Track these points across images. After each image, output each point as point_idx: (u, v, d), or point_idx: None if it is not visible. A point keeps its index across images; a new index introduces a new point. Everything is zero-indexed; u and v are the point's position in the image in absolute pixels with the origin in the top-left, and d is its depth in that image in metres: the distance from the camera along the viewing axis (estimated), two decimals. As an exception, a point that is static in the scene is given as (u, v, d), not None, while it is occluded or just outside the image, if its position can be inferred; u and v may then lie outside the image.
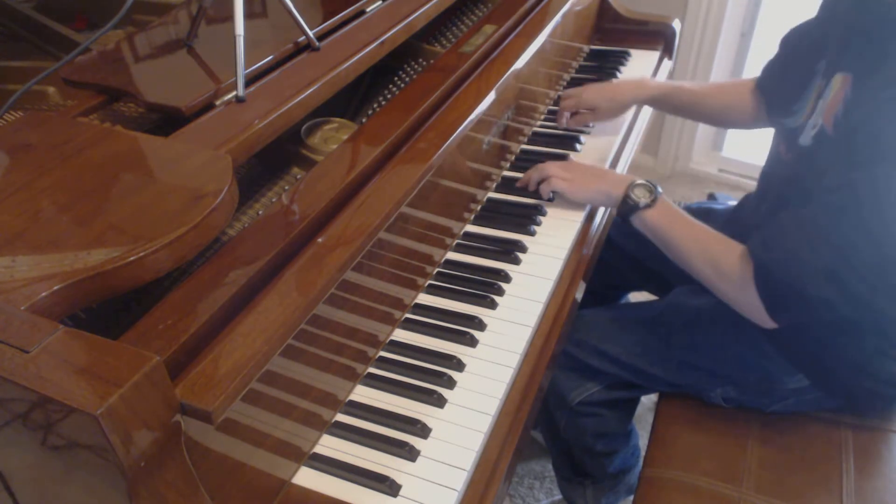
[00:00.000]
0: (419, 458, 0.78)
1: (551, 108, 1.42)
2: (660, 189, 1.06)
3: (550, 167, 1.14)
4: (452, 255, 1.06)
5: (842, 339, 1.01)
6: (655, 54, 1.62)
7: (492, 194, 1.18)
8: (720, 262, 0.97)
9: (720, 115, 1.31)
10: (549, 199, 1.16)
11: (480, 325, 0.94)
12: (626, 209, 1.06)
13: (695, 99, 1.30)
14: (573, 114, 1.34)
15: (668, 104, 1.34)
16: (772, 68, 1.19)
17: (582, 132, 1.35)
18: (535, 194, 1.17)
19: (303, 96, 0.88)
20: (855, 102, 0.86)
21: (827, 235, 0.86)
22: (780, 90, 1.10)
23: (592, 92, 1.31)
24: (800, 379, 1.06)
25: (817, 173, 0.89)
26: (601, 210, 1.20)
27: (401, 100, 1.01)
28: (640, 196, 1.05)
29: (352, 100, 1.17)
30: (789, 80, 1.05)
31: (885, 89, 0.82)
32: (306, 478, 0.77)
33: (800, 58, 1.05)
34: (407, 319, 0.95)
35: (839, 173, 0.86)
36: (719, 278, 0.97)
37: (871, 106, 0.84)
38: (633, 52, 1.62)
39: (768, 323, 0.94)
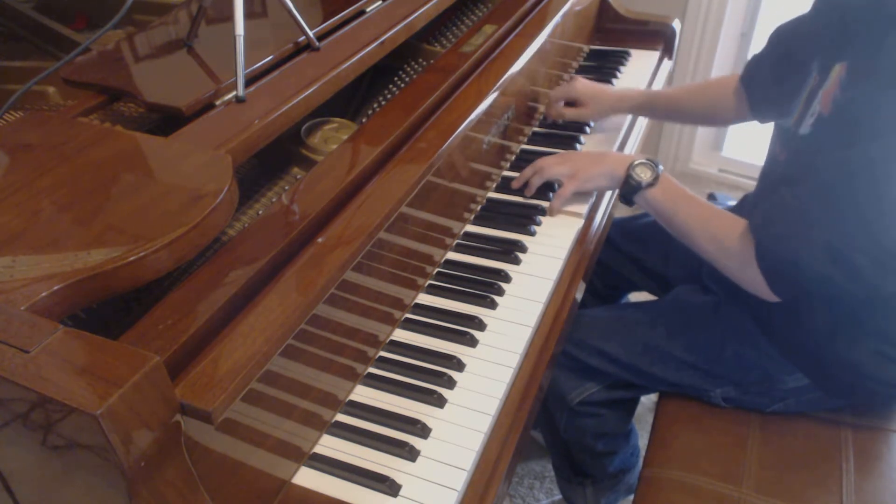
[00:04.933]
0: (419, 458, 0.78)
1: (551, 108, 1.42)
2: (661, 167, 1.06)
3: (549, 168, 1.14)
4: (452, 255, 1.06)
5: (842, 341, 1.01)
6: (655, 54, 1.62)
7: (492, 194, 1.18)
8: (722, 238, 0.98)
9: (703, 115, 1.33)
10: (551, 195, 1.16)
11: (480, 325, 0.94)
12: (628, 189, 1.06)
13: (672, 103, 1.31)
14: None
15: (652, 111, 1.35)
16: (759, 65, 1.18)
17: (581, 132, 1.35)
18: (535, 193, 1.17)
19: (303, 96, 0.88)
20: (850, 85, 0.87)
21: (824, 211, 0.87)
22: (774, 90, 1.11)
23: (582, 85, 1.31)
24: (799, 378, 1.06)
25: (815, 156, 0.90)
26: (601, 210, 1.20)
27: (401, 100, 1.01)
28: (643, 175, 1.05)
29: (352, 100, 1.17)
30: (785, 80, 1.05)
31: (880, 77, 0.83)
32: (306, 478, 0.77)
33: (794, 57, 1.04)
34: (407, 319, 0.95)
35: (834, 151, 0.86)
36: (722, 254, 0.99)
37: (866, 89, 0.84)
38: (633, 52, 1.62)
39: (772, 298, 0.95)
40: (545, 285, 1.01)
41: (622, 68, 1.55)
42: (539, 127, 1.37)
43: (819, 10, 1.04)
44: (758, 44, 2.25)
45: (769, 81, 1.14)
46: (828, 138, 0.90)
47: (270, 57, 0.94)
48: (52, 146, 0.75)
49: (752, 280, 0.95)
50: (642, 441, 1.29)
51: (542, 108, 1.38)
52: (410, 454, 0.78)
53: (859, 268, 0.86)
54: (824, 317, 1.01)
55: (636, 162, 1.06)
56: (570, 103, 1.33)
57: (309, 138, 1.01)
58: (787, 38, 1.13)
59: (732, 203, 1.32)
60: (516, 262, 1.05)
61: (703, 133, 2.41)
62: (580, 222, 1.13)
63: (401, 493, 0.75)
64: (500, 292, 0.99)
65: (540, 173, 1.14)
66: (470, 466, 0.77)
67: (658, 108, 1.34)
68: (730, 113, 1.26)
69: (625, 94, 1.33)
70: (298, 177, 0.95)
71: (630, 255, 1.38)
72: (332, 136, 1.02)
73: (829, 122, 0.90)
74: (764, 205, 0.95)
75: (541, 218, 1.13)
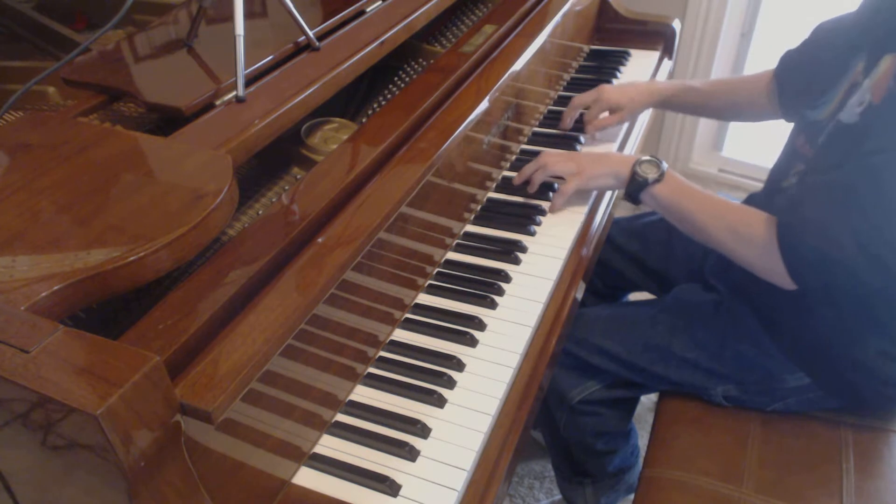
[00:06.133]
0: (419, 458, 0.78)
1: (552, 107, 1.42)
2: (665, 163, 1.06)
3: (554, 165, 1.13)
4: (452, 255, 1.06)
5: (844, 340, 1.01)
6: (655, 54, 1.62)
7: (492, 194, 1.18)
8: (739, 227, 0.97)
9: (732, 110, 1.31)
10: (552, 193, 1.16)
11: (480, 325, 0.94)
12: (634, 187, 1.06)
13: (703, 99, 1.30)
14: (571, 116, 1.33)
15: (682, 104, 1.34)
16: (796, 59, 1.17)
17: (581, 132, 1.35)
18: (535, 193, 1.17)
19: (303, 96, 0.88)
20: None
21: (862, 198, 0.85)
22: (806, 82, 1.09)
23: (613, 93, 1.29)
24: (801, 377, 1.06)
25: (861, 143, 0.88)
26: (601, 209, 1.20)
27: (401, 100, 1.01)
28: (648, 172, 1.05)
29: (352, 100, 1.17)
30: (819, 73, 1.04)
31: None
32: (306, 478, 0.77)
33: (833, 52, 1.03)
34: (407, 319, 0.95)
35: (882, 138, 0.85)
36: (739, 244, 0.98)
37: None
38: (632, 52, 1.62)
39: (790, 286, 0.94)
40: (545, 285, 1.01)
41: (622, 68, 1.55)
42: (539, 127, 1.37)
43: (865, 11, 1.02)
44: (758, 44, 2.25)
45: (804, 74, 1.12)
46: (878, 127, 0.88)
47: (270, 57, 0.94)
48: (52, 146, 0.75)
49: (772, 267, 0.94)
50: (642, 441, 1.29)
51: (542, 107, 1.38)
52: (410, 454, 0.78)
53: (886, 260, 0.85)
54: (830, 315, 1.01)
55: (641, 160, 1.06)
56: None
57: (309, 138, 1.01)
58: (829, 33, 1.11)
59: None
60: (516, 262, 1.05)
61: (702, 133, 2.41)
62: (580, 222, 1.13)
63: (401, 493, 0.75)
64: (500, 292, 0.99)
65: (543, 169, 1.14)
66: (470, 466, 0.77)
67: (687, 102, 1.32)
68: (759, 109, 1.25)
69: (655, 87, 1.32)
70: (298, 177, 0.95)
71: (631, 255, 1.38)
72: (332, 136, 1.02)
73: (881, 111, 0.88)
74: (790, 191, 0.93)
75: (541, 218, 1.13)
